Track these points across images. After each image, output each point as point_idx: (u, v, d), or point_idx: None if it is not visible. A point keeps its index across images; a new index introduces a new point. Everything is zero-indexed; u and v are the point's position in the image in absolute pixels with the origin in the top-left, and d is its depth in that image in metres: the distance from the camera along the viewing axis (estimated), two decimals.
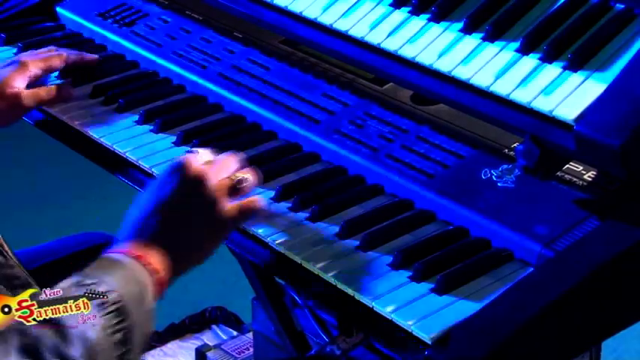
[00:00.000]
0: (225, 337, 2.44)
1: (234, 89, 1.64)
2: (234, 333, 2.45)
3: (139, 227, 1.23)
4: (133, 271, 1.17)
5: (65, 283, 1.12)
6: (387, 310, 1.19)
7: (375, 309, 1.20)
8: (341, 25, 1.55)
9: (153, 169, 1.50)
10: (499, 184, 1.33)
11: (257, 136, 1.57)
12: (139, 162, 1.52)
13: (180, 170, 1.28)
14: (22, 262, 1.33)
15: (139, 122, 1.62)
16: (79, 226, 2.01)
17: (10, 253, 1.20)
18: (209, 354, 2.31)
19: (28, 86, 1.67)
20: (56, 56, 1.71)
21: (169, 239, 1.22)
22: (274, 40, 1.72)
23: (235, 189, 1.30)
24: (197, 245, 1.26)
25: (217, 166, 1.30)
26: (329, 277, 1.26)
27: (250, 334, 2.28)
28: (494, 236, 1.29)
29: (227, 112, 1.64)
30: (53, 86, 1.68)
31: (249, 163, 1.47)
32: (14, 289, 1.14)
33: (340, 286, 1.24)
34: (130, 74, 1.77)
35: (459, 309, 1.19)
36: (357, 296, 1.23)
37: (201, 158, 1.30)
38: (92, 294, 1.09)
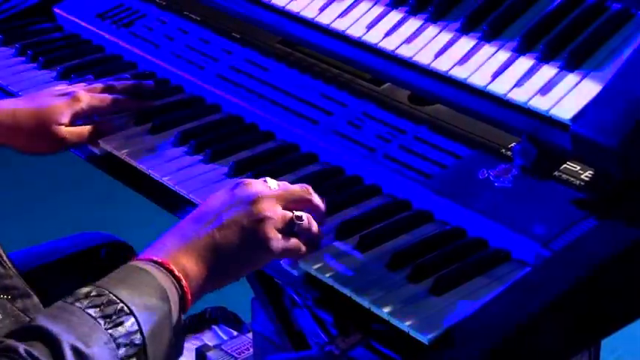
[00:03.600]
0: (225, 338, 2.44)
1: (232, 90, 1.64)
2: (234, 333, 2.45)
3: (176, 234, 1.19)
4: (155, 279, 1.13)
5: (80, 293, 1.09)
6: (384, 312, 1.19)
7: (372, 310, 1.20)
8: (338, 25, 1.55)
9: (150, 171, 1.50)
10: (496, 184, 1.33)
11: (255, 136, 1.57)
12: (138, 164, 1.52)
13: (237, 186, 1.24)
14: (21, 263, 1.32)
15: (136, 124, 1.62)
16: (79, 227, 2.01)
17: (10, 264, 1.19)
18: (209, 354, 2.30)
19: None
20: (112, 101, 1.61)
21: (205, 250, 1.18)
22: (272, 41, 1.71)
23: (290, 224, 1.24)
24: (233, 262, 1.20)
25: (278, 194, 1.25)
26: (326, 278, 1.26)
27: (250, 334, 2.28)
28: (492, 236, 1.29)
29: (225, 113, 1.64)
30: (95, 125, 1.59)
31: (247, 163, 1.48)
32: (13, 299, 1.14)
33: (337, 287, 1.24)
34: (127, 75, 1.77)
35: (456, 310, 1.18)
36: (354, 297, 1.22)
37: (267, 183, 1.26)
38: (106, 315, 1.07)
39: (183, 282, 1.15)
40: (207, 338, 2.46)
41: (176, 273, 1.15)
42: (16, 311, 1.14)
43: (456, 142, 1.41)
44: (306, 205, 1.28)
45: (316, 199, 1.29)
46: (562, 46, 1.36)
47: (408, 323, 1.17)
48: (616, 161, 1.24)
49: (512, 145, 1.36)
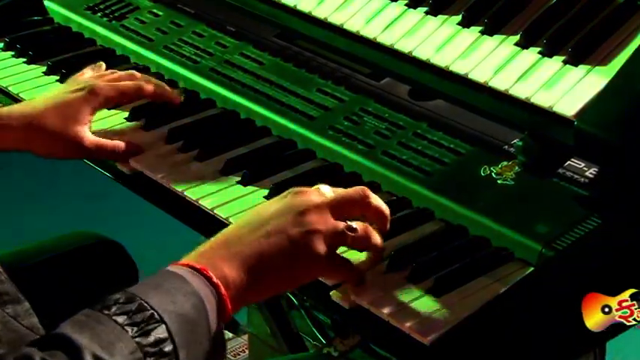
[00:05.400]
0: None
1: (227, 84, 1.62)
2: (230, 335, 2.44)
3: (220, 240, 1.14)
4: (190, 285, 1.06)
5: (110, 300, 1.04)
6: (384, 313, 1.17)
7: (371, 311, 1.18)
8: (336, 19, 1.55)
9: (142, 169, 1.47)
10: (498, 182, 1.31)
11: (250, 132, 1.55)
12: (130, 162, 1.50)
13: (288, 194, 1.18)
14: (9, 264, 1.30)
15: (128, 119, 1.60)
16: (72, 226, 1.99)
17: (0, 268, 1.17)
18: None
19: None
20: (133, 88, 1.55)
21: (248, 258, 1.11)
22: (268, 34, 1.70)
23: (342, 236, 1.16)
24: (277, 274, 1.13)
25: (331, 202, 1.17)
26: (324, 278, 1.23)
27: (246, 337, 2.27)
28: (494, 235, 1.26)
29: (220, 108, 1.61)
30: (121, 142, 1.50)
31: (242, 160, 1.46)
32: (4, 304, 1.11)
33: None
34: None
35: (457, 310, 1.16)
36: (353, 298, 1.20)
37: (320, 192, 1.18)
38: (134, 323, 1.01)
39: (222, 289, 1.08)
40: None
41: (214, 280, 1.08)
42: (7, 317, 1.12)
43: (457, 138, 1.39)
44: (364, 209, 1.20)
45: (375, 202, 1.21)
46: (565, 41, 1.36)
47: (408, 324, 1.14)
48: (620, 158, 1.23)
49: (514, 141, 1.35)
